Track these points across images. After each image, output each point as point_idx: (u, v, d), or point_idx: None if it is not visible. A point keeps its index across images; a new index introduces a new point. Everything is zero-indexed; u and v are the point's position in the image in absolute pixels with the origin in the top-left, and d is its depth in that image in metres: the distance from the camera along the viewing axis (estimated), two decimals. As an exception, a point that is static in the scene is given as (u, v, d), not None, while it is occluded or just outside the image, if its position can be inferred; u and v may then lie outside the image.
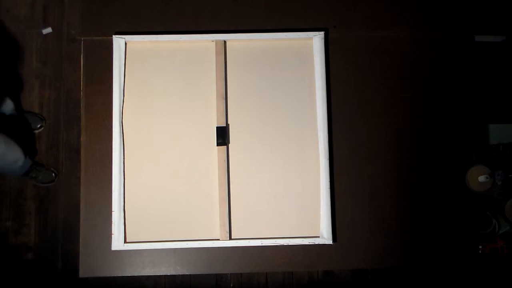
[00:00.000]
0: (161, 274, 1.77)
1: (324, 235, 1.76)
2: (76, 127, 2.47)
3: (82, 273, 1.76)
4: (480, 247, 1.91)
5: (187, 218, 1.74)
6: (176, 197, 1.76)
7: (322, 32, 1.82)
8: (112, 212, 1.72)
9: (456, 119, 1.86)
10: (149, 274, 1.79)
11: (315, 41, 1.83)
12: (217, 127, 1.76)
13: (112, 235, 1.71)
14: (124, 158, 1.76)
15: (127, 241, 1.73)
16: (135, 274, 1.77)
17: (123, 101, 1.79)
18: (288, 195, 1.79)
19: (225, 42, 1.82)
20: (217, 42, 1.81)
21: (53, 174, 2.42)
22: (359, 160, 1.83)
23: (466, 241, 1.82)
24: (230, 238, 1.74)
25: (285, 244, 1.75)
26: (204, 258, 1.77)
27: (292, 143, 1.80)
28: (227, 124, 1.79)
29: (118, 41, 1.79)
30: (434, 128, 1.86)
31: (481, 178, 1.81)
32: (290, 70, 1.84)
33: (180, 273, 1.77)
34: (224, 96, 1.79)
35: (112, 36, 1.79)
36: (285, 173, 1.79)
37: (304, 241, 1.75)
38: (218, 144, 1.75)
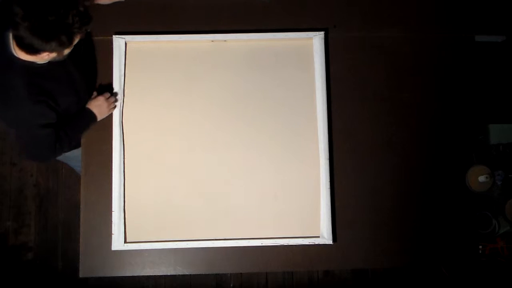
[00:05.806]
0: (161, 274, 1.77)
1: (324, 235, 1.75)
2: (76, 127, 2.46)
3: (82, 273, 1.75)
4: (480, 247, 1.90)
5: (187, 218, 1.74)
6: (176, 197, 1.76)
7: (322, 32, 1.82)
8: (112, 212, 1.71)
9: (456, 119, 1.86)
10: (149, 274, 1.79)
11: (315, 41, 1.83)
12: None
13: (112, 235, 1.71)
14: (124, 158, 1.76)
15: (127, 241, 1.73)
16: (135, 274, 1.76)
17: (123, 101, 1.79)
18: (288, 195, 1.78)
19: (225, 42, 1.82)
20: (217, 42, 1.81)
21: None
22: (359, 160, 1.82)
23: (466, 241, 1.82)
24: None
25: (285, 244, 1.74)
26: (204, 258, 1.76)
27: (292, 143, 1.80)
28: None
29: (118, 41, 1.78)
30: (434, 128, 1.85)
31: (481, 178, 1.81)
32: (290, 70, 1.83)
33: (180, 273, 1.77)
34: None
35: (112, 36, 1.79)
36: (285, 173, 1.79)
37: (304, 241, 1.75)
38: None
